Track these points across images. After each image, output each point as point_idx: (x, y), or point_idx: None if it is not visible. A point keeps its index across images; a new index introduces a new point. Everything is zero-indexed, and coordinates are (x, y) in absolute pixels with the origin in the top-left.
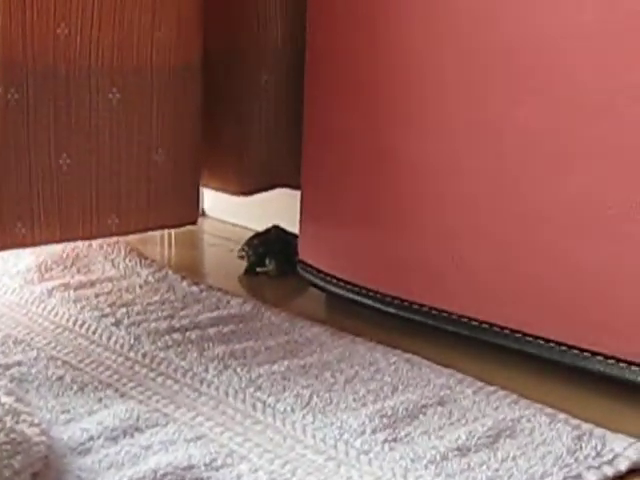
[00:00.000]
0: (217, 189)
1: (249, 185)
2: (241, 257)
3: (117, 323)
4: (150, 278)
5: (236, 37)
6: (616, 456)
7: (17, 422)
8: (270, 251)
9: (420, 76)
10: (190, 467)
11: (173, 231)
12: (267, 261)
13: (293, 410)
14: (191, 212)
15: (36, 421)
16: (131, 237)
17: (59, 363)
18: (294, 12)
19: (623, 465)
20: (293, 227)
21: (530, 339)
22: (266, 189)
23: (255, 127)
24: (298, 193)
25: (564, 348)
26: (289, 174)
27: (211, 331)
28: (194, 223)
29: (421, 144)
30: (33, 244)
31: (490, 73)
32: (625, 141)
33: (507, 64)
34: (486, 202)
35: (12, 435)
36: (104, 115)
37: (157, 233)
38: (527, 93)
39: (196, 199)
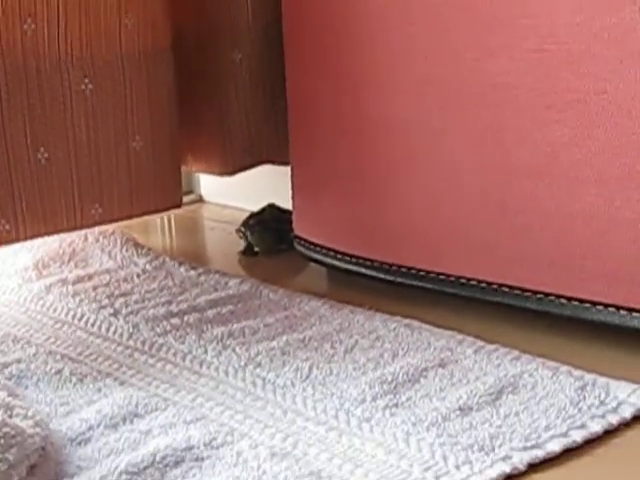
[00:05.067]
0: (201, 171)
1: (233, 165)
2: (240, 237)
3: (115, 313)
4: (148, 266)
5: (207, 15)
6: (620, 403)
7: (10, 416)
8: (264, 229)
9: (388, 33)
10: (189, 448)
11: (173, 218)
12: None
13: (293, 384)
14: (174, 196)
15: (30, 413)
16: (132, 226)
17: (58, 357)
18: None
19: (628, 412)
20: (289, 205)
21: (529, 294)
22: (250, 167)
23: (233, 106)
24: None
25: (564, 300)
26: (271, 150)
27: (210, 313)
28: (178, 207)
29: (400, 106)
30: (19, 240)
31: (460, 27)
32: (600, 86)
33: (477, 17)
34: (470, 160)
35: (5, 429)
36: (78, 106)
37: (157, 220)
38: (498, 46)
39: (178, 183)
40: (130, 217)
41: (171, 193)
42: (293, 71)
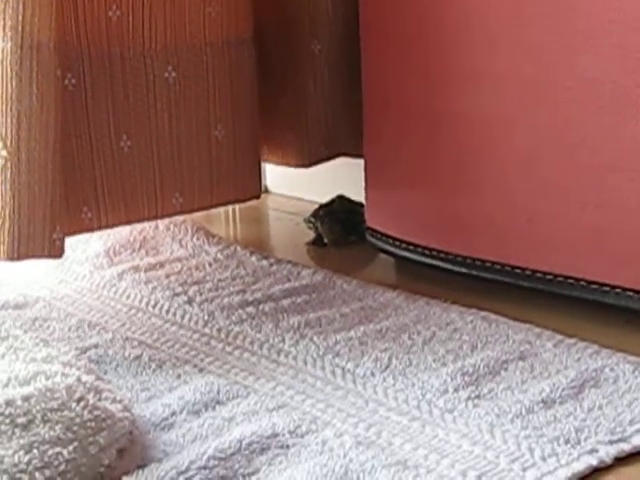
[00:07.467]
0: (278, 163)
1: (309, 157)
2: (309, 228)
3: (190, 301)
4: (219, 255)
5: (287, 7)
6: None
7: (99, 399)
8: (334, 221)
9: (471, 31)
10: (275, 435)
11: (237, 208)
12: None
13: (373, 374)
14: (254, 186)
15: (118, 397)
16: (196, 216)
17: (135, 343)
18: None
19: None
20: (356, 196)
21: (607, 289)
22: (326, 159)
23: (311, 98)
24: (359, 162)
25: None
26: (348, 142)
27: (284, 302)
28: (257, 197)
29: (480, 101)
30: (100, 228)
31: (543, 22)
32: None
33: (561, 12)
34: (550, 154)
35: (96, 412)
36: (161, 94)
37: (222, 211)
38: (582, 41)
39: (258, 173)
40: (210, 207)
41: (250, 183)
42: (370, 65)
